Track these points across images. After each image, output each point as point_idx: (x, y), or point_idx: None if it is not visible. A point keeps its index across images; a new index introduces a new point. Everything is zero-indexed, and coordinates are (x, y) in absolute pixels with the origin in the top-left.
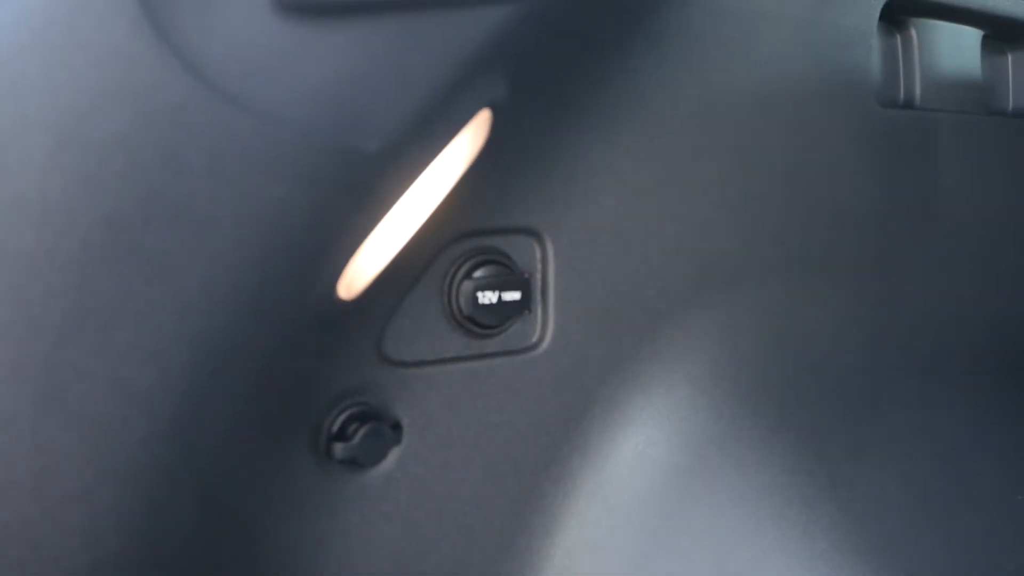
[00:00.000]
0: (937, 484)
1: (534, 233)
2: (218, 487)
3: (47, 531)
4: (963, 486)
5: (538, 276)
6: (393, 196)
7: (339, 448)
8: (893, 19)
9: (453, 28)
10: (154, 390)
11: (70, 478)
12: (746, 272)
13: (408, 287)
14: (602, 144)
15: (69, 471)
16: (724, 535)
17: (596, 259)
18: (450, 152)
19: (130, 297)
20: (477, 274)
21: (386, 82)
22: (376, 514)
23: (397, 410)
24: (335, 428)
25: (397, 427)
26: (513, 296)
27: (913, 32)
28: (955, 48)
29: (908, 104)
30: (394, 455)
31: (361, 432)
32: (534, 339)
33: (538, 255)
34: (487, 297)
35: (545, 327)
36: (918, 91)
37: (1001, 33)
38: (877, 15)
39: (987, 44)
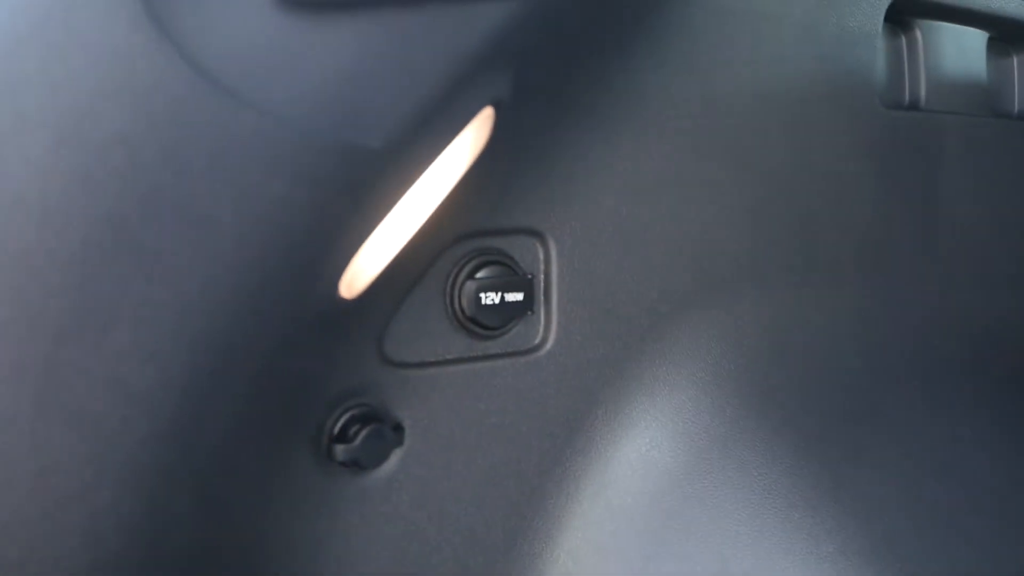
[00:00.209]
0: (941, 486)
1: (537, 234)
2: (218, 488)
3: (46, 531)
4: (967, 488)
5: (541, 277)
6: (395, 195)
7: (340, 450)
8: (898, 20)
9: (455, 24)
10: (154, 390)
11: (69, 478)
12: (749, 273)
13: (410, 287)
14: (604, 144)
15: (68, 471)
16: (728, 538)
17: (599, 260)
18: (452, 151)
19: (130, 296)
20: (480, 275)
21: (388, 79)
22: (377, 516)
23: (399, 411)
24: (336, 429)
25: (399, 428)
26: (516, 297)
27: (918, 33)
28: (960, 50)
29: (913, 106)
30: (396, 457)
31: (362, 433)
32: (537, 340)
33: (541, 256)
34: (490, 298)
35: (548, 328)
36: (923, 93)
37: (1007, 35)
38: (882, 16)
39: (992, 46)
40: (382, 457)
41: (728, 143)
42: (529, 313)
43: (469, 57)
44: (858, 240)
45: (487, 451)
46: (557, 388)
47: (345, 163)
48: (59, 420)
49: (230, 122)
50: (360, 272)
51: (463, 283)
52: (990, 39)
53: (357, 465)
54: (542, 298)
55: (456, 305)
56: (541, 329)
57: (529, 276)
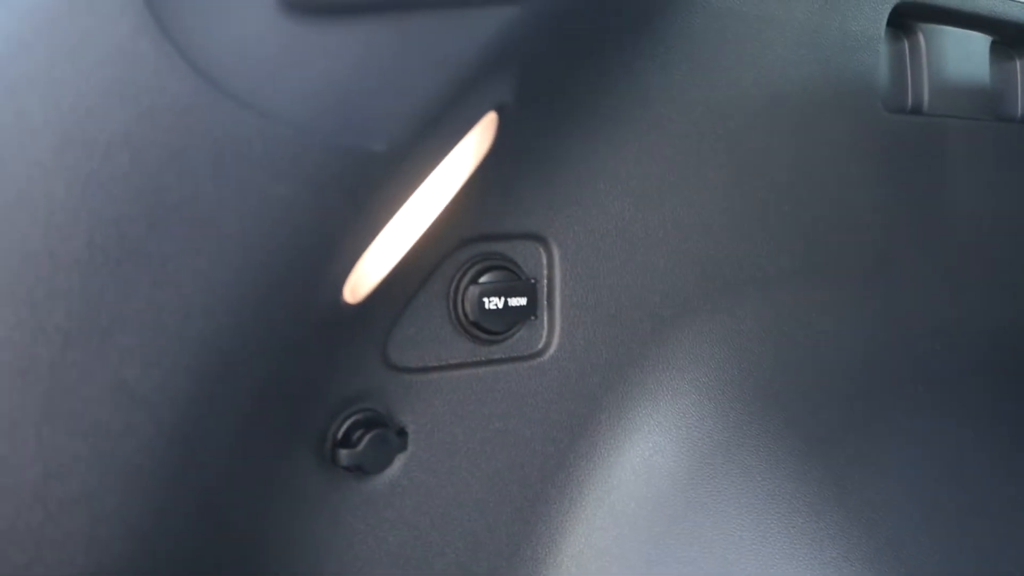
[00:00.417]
0: (945, 491)
1: (540, 239)
2: (221, 492)
3: (51, 535)
4: (970, 492)
5: (544, 282)
6: (399, 199)
7: (344, 455)
8: (901, 24)
9: (458, 29)
10: (158, 394)
11: (74, 482)
12: (752, 278)
13: (413, 292)
14: (608, 149)
15: (73, 475)
16: (731, 543)
17: (602, 265)
18: (456, 155)
19: (134, 300)
20: (483, 279)
21: (391, 83)
22: (381, 521)
23: (402, 416)
24: (340, 434)
25: (402, 433)
26: (519, 302)
27: (921, 37)
28: (963, 53)
29: (916, 110)
30: (399, 461)
31: (366, 439)
32: (540, 345)
33: (544, 260)
34: (493, 303)
35: (551, 333)
36: (926, 96)
37: (1010, 39)
38: (885, 20)
39: (996, 50)
40: (386, 462)
41: (731, 147)
42: (532, 318)
43: (472, 62)
44: (861, 244)
45: (490, 456)
46: (560, 393)
47: (349, 167)
48: (64, 424)
49: (234, 126)
50: (364, 277)
51: (466, 288)
52: (993, 43)
53: (361, 470)
54: (545, 303)
55: (460, 310)
56: (544, 334)
57: (532, 281)
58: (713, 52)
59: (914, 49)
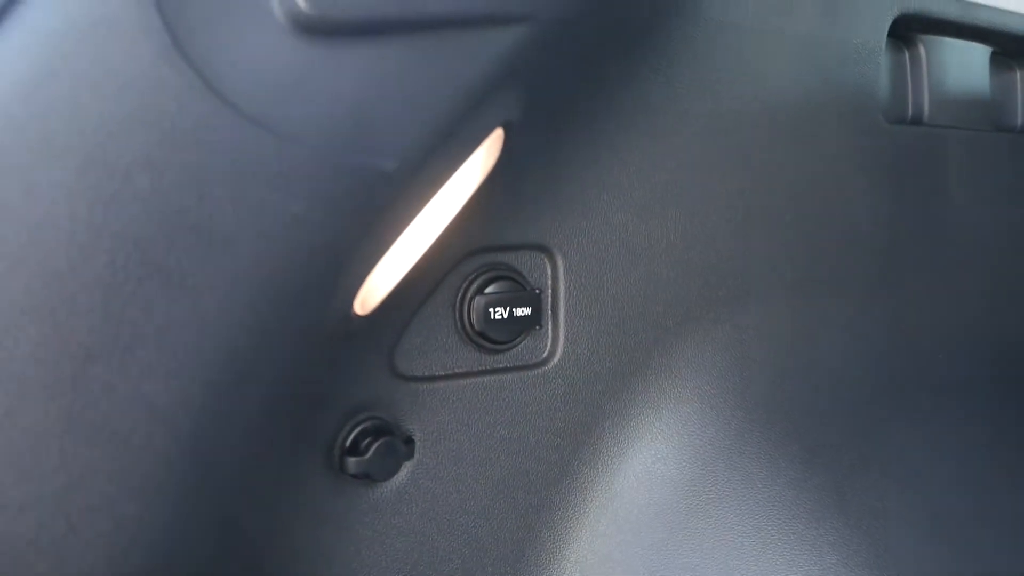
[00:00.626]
0: (945, 499)
1: (544, 249)
2: (235, 499)
3: (73, 544)
4: (971, 501)
5: (548, 292)
6: (407, 215)
7: (352, 462)
8: (902, 35)
9: (466, 50)
10: (175, 406)
11: (95, 492)
12: (754, 287)
13: (421, 303)
14: (611, 161)
15: (94, 485)
16: (732, 549)
17: (605, 275)
18: (463, 170)
19: (154, 315)
20: (489, 290)
21: (401, 103)
22: (388, 527)
23: (409, 425)
24: (348, 442)
25: (409, 442)
26: (524, 312)
27: (922, 49)
28: (964, 65)
29: (916, 120)
30: (406, 469)
31: (374, 447)
32: (544, 354)
33: (548, 271)
34: (498, 312)
35: (555, 342)
36: (926, 107)
37: (1010, 50)
38: (886, 32)
39: (996, 61)
40: (393, 470)
41: (734, 158)
42: (537, 327)
43: (480, 81)
44: (863, 254)
45: (495, 463)
46: (564, 401)
47: (360, 185)
48: (86, 436)
49: (250, 146)
50: (374, 289)
51: (472, 298)
52: (993, 54)
53: (368, 477)
54: (550, 313)
55: (465, 320)
56: (549, 343)
57: (537, 291)
58: (715, 65)
59: (915, 60)
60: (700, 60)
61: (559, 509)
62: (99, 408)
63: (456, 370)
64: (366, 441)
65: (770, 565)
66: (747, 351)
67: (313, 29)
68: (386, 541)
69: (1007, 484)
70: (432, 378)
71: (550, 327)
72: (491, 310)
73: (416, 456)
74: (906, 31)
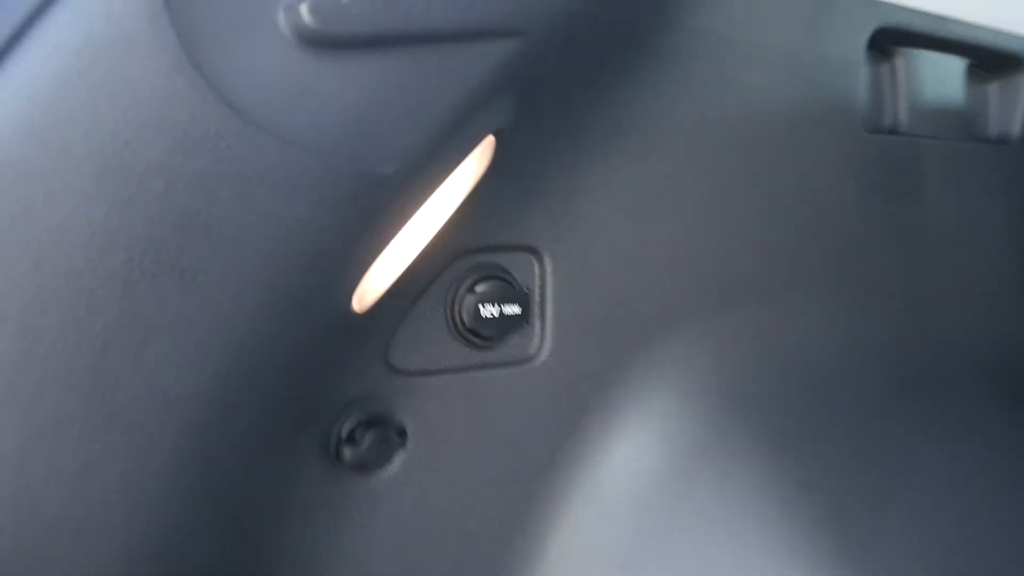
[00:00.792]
0: (910, 491)
1: (533, 251)
2: (239, 487)
3: (91, 522)
4: (943, 495)
5: (537, 291)
6: (404, 216)
7: (348, 452)
8: (881, 48)
9: (462, 61)
10: (187, 396)
11: (111, 477)
12: (736, 288)
13: (415, 300)
14: (600, 167)
15: (111, 471)
16: (710, 536)
17: (592, 275)
18: (456, 175)
19: (167, 311)
20: (479, 289)
21: (400, 111)
22: (381, 516)
23: (402, 416)
24: (344, 433)
25: (402, 433)
26: (513, 310)
27: (900, 61)
28: (940, 77)
29: (894, 130)
30: (399, 459)
31: (369, 437)
32: (532, 351)
33: (537, 272)
34: (488, 310)
35: (543, 340)
36: (904, 118)
37: (985, 63)
38: (864, 44)
39: (971, 73)
40: (386, 460)
41: (717, 165)
42: (525, 325)
43: (475, 91)
44: (841, 258)
45: (484, 455)
46: (550, 396)
47: (361, 190)
48: (103, 423)
49: (257, 153)
50: (371, 287)
51: (464, 296)
52: (969, 66)
53: (363, 467)
54: (538, 311)
55: (457, 317)
56: (536, 340)
57: (526, 290)
58: (700, 75)
59: (893, 72)
60: (685, 70)
61: (545, 499)
62: (116, 396)
63: (447, 365)
64: (361, 432)
65: (745, 548)
66: (728, 350)
67: (317, 42)
68: (379, 529)
69: (981, 477)
70: (424, 372)
71: (538, 325)
72: (481, 308)
73: (408, 447)
74: (885, 44)
